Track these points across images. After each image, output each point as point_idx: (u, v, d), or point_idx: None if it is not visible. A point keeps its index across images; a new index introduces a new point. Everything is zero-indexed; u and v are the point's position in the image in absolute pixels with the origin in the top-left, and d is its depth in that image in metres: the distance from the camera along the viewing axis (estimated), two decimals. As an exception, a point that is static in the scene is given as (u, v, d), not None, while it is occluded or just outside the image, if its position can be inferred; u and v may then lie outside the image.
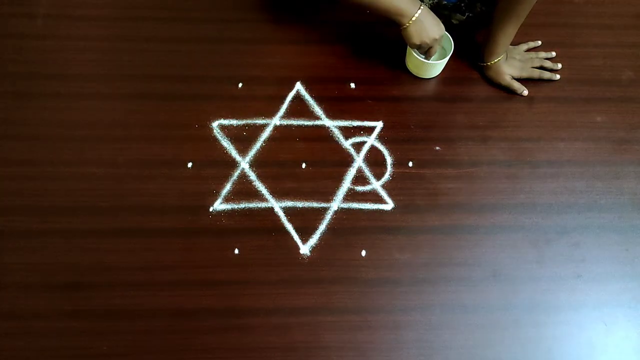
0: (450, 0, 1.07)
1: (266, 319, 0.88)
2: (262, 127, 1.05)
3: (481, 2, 1.08)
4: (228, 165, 1.01)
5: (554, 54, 1.14)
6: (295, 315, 0.88)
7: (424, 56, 1.08)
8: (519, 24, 1.00)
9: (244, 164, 1.01)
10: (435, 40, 0.99)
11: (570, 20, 1.20)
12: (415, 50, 1.04)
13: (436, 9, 1.10)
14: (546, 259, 0.94)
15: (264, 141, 1.04)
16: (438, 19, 0.99)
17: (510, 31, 1.01)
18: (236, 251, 0.93)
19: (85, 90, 1.08)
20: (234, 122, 1.05)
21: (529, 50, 1.14)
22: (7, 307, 0.88)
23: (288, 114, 1.06)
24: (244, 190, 0.98)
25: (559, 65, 1.12)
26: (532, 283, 0.92)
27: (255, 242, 0.94)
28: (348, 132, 1.05)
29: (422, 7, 0.96)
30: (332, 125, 1.06)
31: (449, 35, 1.06)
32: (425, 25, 0.97)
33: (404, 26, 0.97)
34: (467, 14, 1.10)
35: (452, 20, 1.12)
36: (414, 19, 0.95)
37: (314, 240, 0.94)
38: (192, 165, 1.00)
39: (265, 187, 0.99)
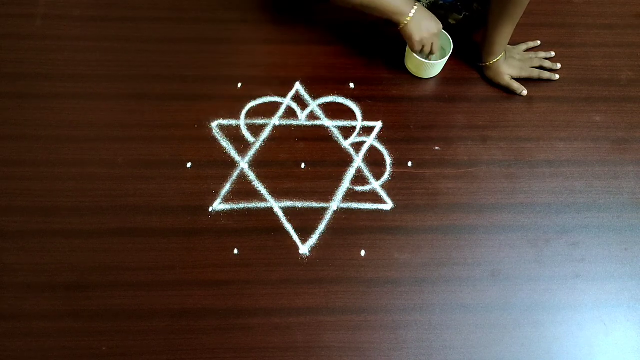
0: (446, 0, 1.07)
1: (266, 319, 0.88)
2: (262, 127, 1.05)
3: (477, 1, 1.08)
4: (227, 165, 1.01)
5: (553, 53, 1.14)
6: (295, 315, 0.88)
7: (423, 56, 1.08)
8: (514, 24, 1.00)
9: (243, 164, 1.01)
10: (435, 35, 1.00)
11: (569, 20, 1.20)
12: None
13: (433, 8, 1.10)
14: (545, 258, 0.94)
15: (263, 141, 1.04)
16: (434, 16, 1.00)
17: (505, 31, 1.01)
18: (235, 251, 0.93)
19: (85, 91, 1.08)
20: (233, 122, 1.05)
21: (528, 50, 1.14)
22: (7, 308, 0.88)
23: (287, 114, 1.06)
24: (243, 190, 0.98)
25: (558, 65, 1.12)
26: (532, 283, 0.92)
27: (255, 242, 0.94)
28: (347, 132, 1.05)
29: (416, 6, 0.97)
30: (332, 125, 1.06)
31: (448, 35, 1.07)
32: (423, 23, 0.98)
33: (401, 25, 0.97)
34: (464, 13, 1.10)
35: (449, 20, 1.12)
36: (410, 17, 0.96)
37: (313, 240, 0.94)
38: (192, 165, 1.00)
39: (265, 187, 0.99)
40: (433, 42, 1.01)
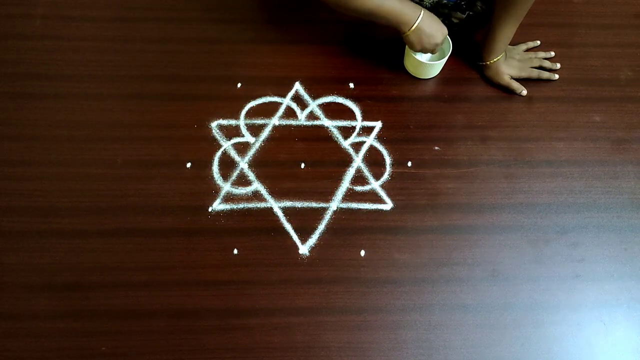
0: (450, 0, 1.07)
1: (266, 319, 0.88)
2: (261, 127, 1.05)
3: (481, 0, 1.08)
4: (227, 165, 1.01)
5: (552, 53, 1.14)
6: (295, 315, 0.88)
7: (423, 56, 1.08)
8: (518, 24, 1.01)
9: (243, 164, 1.01)
10: (437, 44, 1.00)
11: (569, 20, 1.20)
12: (412, 52, 1.05)
13: (436, 8, 1.10)
14: (545, 258, 0.94)
15: (263, 141, 1.04)
16: (440, 22, 1.00)
17: (509, 30, 1.01)
18: (235, 251, 0.93)
19: (85, 91, 1.08)
20: (232, 122, 1.05)
21: (527, 50, 1.14)
22: (7, 308, 0.88)
23: (287, 114, 1.06)
24: (243, 190, 0.98)
25: (558, 65, 1.12)
26: (531, 283, 0.92)
27: (255, 242, 0.94)
28: (347, 132, 1.05)
29: (422, 13, 0.96)
30: (331, 125, 1.06)
31: (447, 36, 1.07)
32: (427, 31, 0.97)
33: (405, 33, 0.97)
34: (467, 12, 1.10)
35: (453, 19, 1.12)
36: (414, 26, 0.96)
37: (313, 240, 0.94)
38: (191, 166, 1.00)
39: (264, 187, 0.99)
40: (434, 48, 1.02)
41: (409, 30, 0.96)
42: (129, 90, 1.08)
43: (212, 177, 0.99)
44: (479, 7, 1.10)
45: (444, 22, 1.09)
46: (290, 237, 0.95)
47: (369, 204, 0.98)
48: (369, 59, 1.14)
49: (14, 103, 1.06)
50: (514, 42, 1.10)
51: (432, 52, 1.03)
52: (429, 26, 0.97)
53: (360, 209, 0.97)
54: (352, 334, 0.87)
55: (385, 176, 1.01)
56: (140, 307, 0.88)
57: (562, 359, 0.87)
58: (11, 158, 1.00)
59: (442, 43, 1.01)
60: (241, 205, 0.97)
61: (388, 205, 0.98)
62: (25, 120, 1.04)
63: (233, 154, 1.02)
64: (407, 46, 1.06)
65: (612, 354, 0.88)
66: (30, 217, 0.95)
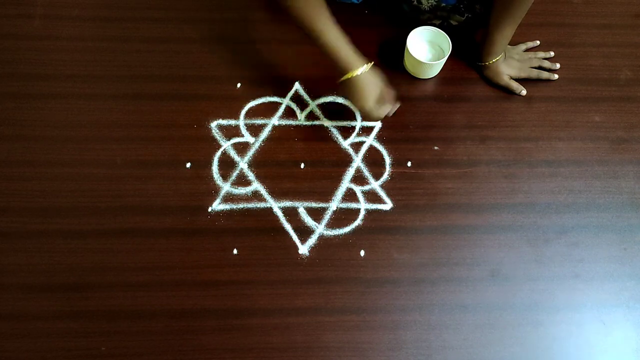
0: (449, 2, 1.07)
1: (265, 319, 0.88)
2: (261, 127, 1.05)
3: (480, 3, 1.08)
4: (227, 165, 1.01)
5: (552, 53, 1.14)
6: (294, 315, 0.88)
7: (423, 56, 1.08)
8: (516, 25, 1.01)
9: (243, 164, 1.01)
10: (365, 107, 0.94)
11: (568, 20, 1.20)
12: (411, 52, 1.05)
13: (435, 10, 1.10)
14: (545, 258, 0.94)
15: (263, 141, 1.04)
16: (379, 84, 0.94)
17: (507, 32, 1.01)
18: (235, 251, 0.93)
19: (83, 91, 1.08)
20: (232, 122, 1.05)
21: (527, 50, 1.14)
22: (6, 308, 0.88)
23: (286, 114, 1.06)
24: (242, 190, 0.98)
25: (558, 65, 1.12)
26: (531, 283, 0.92)
27: (254, 242, 0.94)
28: (347, 132, 1.05)
29: (366, 67, 0.92)
30: (331, 125, 1.06)
31: (446, 36, 1.07)
32: (362, 88, 0.92)
33: (342, 79, 0.93)
34: (466, 15, 1.10)
35: (451, 22, 1.12)
36: (354, 75, 0.91)
37: (312, 240, 0.94)
38: (191, 166, 1.00)
39: (264, 187, 0.99)
40: (366, 107, 0.94)
41: (348, 76, 0.92)
42: (128, 90, 1.08)
43: (212, 177, 0.99)
44: (477, 10, 1.10)
45: (442, 24, 1.09)
46: (290, 237, 0.95)
47: (368, 204, 0.98)
48: (368, 59, 1.13)
49: (13, 103, 1.06)
50: (514, 42, 1.10)
51: (364, 110, 0.95)
52: (367, 84, 0.92)
53: (359, 209, 0.97)
54: (351, 334, 0.87)
55: (385, 176, 1.01)
56: (140, 308, 0.88)
57: (561, 359, 0.87)
58: (10, 158, 1.00)
59: (375, 107, 0.94)
60: (241, 205, 0.97)
61: (388, 205, 0.98)
62: (24, 120, 1.04)
63: (233, 154, 1.02)
64: (406, 46, 1.06)
65: (612, 354, 0.88)
66: (30, 217, 0.95)
